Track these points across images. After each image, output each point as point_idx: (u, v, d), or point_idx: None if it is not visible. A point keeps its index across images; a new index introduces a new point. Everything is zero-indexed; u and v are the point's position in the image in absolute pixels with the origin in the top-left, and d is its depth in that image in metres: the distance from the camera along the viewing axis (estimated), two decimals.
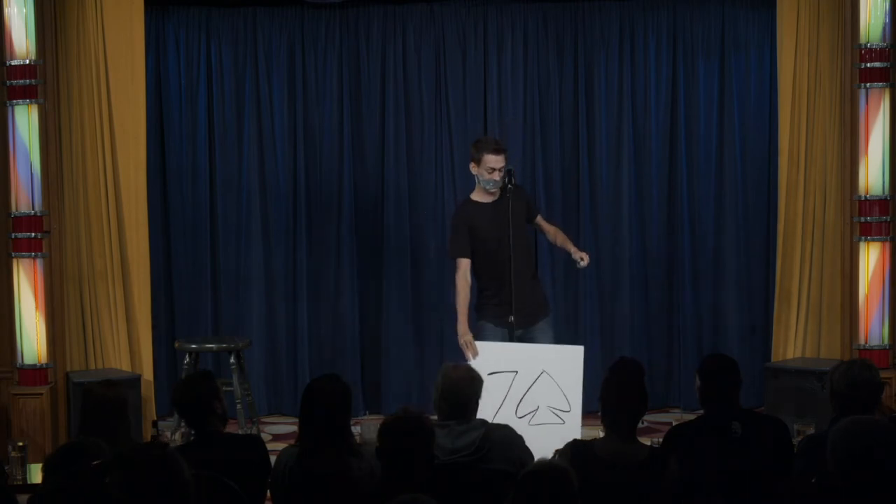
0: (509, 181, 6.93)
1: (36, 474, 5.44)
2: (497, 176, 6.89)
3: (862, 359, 6.31)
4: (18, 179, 7.46)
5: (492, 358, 6.46)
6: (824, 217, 7.92)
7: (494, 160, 6.88)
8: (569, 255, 8.53)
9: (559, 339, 8.36)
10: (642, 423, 4.74)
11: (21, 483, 5.42)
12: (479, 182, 6.95)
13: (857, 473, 4.11)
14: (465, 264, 6.92)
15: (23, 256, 7.48)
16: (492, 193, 6.94)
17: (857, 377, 4.91)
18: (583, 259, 6.97)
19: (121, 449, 4.25)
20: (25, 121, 7.42)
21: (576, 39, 8.60)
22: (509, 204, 6.75)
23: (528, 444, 5.09)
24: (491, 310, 6.93)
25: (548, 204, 8.59)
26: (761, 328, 8.53)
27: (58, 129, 7.62)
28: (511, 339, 6.81)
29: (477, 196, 7.00)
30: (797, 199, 7.99)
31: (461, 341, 6.73)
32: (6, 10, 7.39)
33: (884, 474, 4.15)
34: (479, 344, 6.62)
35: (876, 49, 7.51)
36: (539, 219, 7.22)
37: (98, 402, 5.15)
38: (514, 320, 6.78)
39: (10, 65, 7.43)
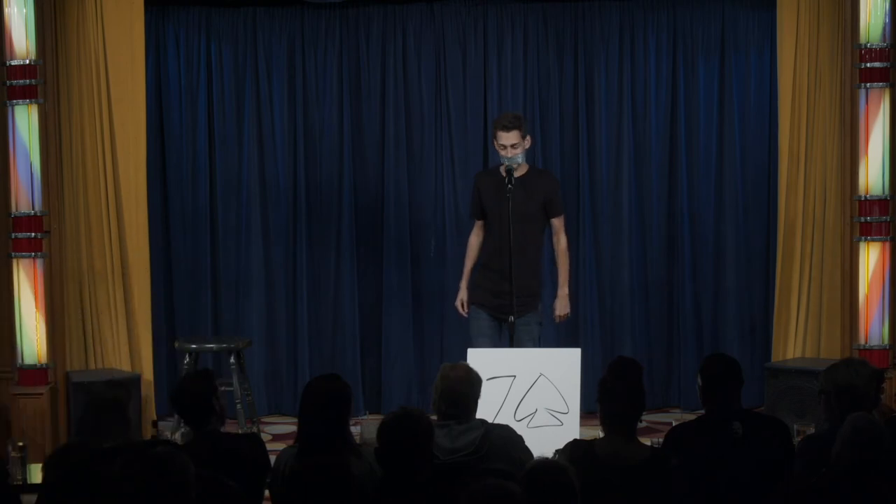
0: (509, 181, 6.95)
1: (36, 474, 5.44)
2: (510, 153, 6.99)
3: (859, 358, 6.33)
4: (18, 179, 7.46)
5: (490, 363, 6.47)
6: (824, 217, 7.92)
7: (504, 137, 7.00)
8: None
9: (559, 339, 8.41)
10: (642, 422, 4.74)
11: (21, 483, 5.42)
12: None
13: (860, 469, 4.13)
14: (478, 225, 7.28)
15: (23, 256, 7.48)
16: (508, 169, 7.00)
17: (859, 375, 4.91)
18: (558, 318, 7.23)
19: (127, 446, 4.26)
20: (25, 121, 7.42)
21: (576, 39, 8.60)
22: (510, 200, 6.81)
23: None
24: (481, 292, 7.16)
25: None
26: (761, 328, 8.53)
27: (58, 129, 7.62)
28: (494, 323, 7.13)
29: (502, 168, 7.11)
30: (797, 199, 7.98)
31: (456, 302, 7.28)
32: (6, 10, 7.39)
33: (879, 473, 4.17)
34: (476, 351, 6.63)
35: (876, 49, 7.51)
36: (555, 222, 7.19)
37: (98, 402, 5.16)
38: (495, 306, 7.04)
39: (10, 65, 7.43)
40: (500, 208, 6.98)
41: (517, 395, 6.50)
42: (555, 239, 7.22)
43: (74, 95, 7.76)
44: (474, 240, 7.30)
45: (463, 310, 7.25)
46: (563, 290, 7.18)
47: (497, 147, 7.04)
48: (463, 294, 7.26)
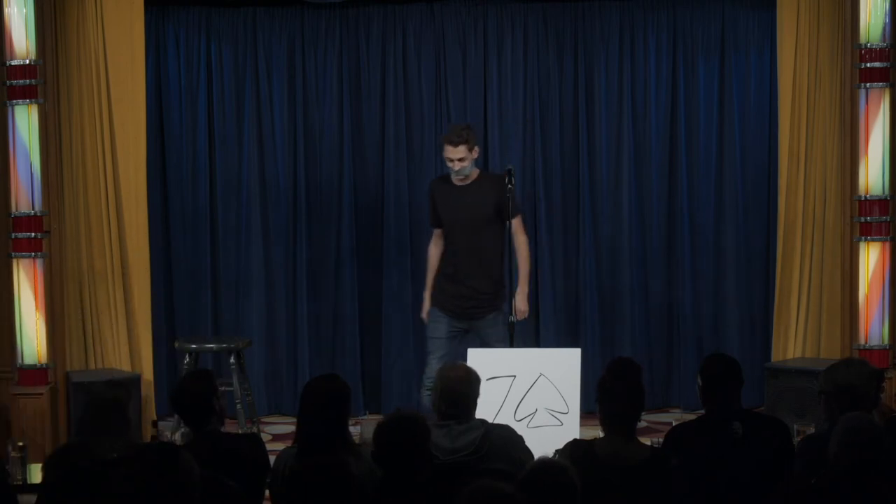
0: (509, 181, 6.97)
1: (36, 474, 5.44)
2: (456, 166, 7.10)
3: (859, 358, 6.33)
4: (18, 179, 7.46)
5: (489, 363, 6.48)
6: (824, 217, 7.92)
7: (451, 151, 7.10)
8: (565, 253, 8.61)
9: (559, 339, 8.41)
10: (642, 422, 4.73)
11: (21, 483, 5.42)
12: None
13: (859, 469, 4.13)
14: (435, 233, 7.34)
15: (23, 256, 7.48)
16: (459, 179, 7.05)
17: (859, 375, 4.90)
18: (515, 316, 7.17)
19: (133, 447, 4.26)
20: (25, 121, 7.42)
21: (576, 39, 8.60)
22: (509, 200, 6.86)
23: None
24: (443, 296, 7.25)
25: (548, 204, 8.59)
26: (761, 328, 8.53)
27: (58, 129, 7.62)
28: (454, 329, 7.25)
29: (453, 175, 7.18)
30: (797, 199, 7.99)
31: (422, 314, 7.36)
32: (6, 10, 7.39)
33: (879, 474, 4.16)
34: (476, 351, 6.65)
35: (876, 49, 7.51)
36: (513, 224, 7.15)
37: (98, 402, 5.15)
38: (458, 311, 7.19)
39: (10, 65, 7.43)
40: (459, 215, 7.09)
41: (517, 395, 6.50)
42: (514, 239, 7.23)
43: (74, 95, 7.76)
44: (434, 250, 7.37)
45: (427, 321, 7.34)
46: (523, 288, 7.21)
47: (445, 158, 7.13)
48: (427, 304, 7.33)
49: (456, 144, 7.04)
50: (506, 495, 3.62)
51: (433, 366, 7.18)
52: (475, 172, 7.18)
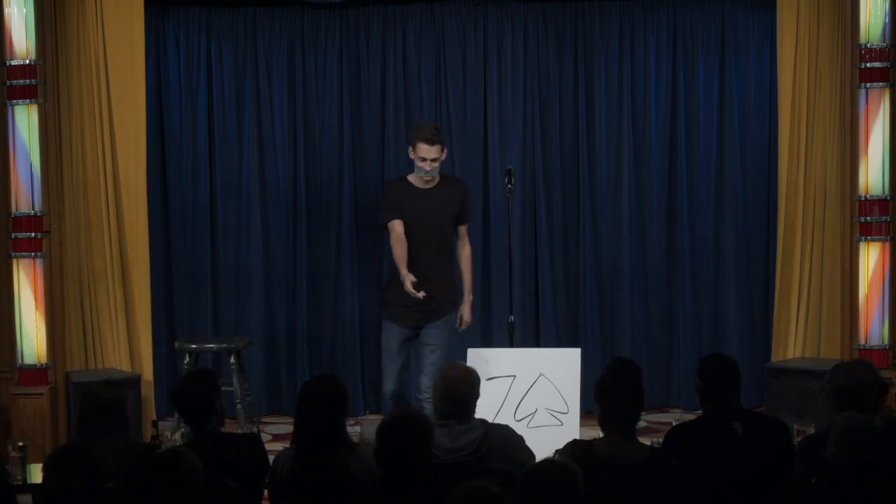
0: (509, 181, 6.96)
1: (36, 474, 5.44)
2: (428, 166, 6.91)
3: (863, 359, 6.33)
4: (18, 179, 7.46)
5: (490, 363, 6.48)
6: (824, 217, 7.92)
7: (427, 150, 6.89)
8: (565, 254, 8.61)
9: (559, 339, 8.41)
10: (642, 422, 4.73)
11: (21, 483, 5.42)
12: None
13: (855, 467, 4.13)
14: (397, 225, 6.92)
15: (23, 256, 7.48)
16: (425, 181, 6.95)
17: (859, 377, 4.90)
18: (460, 324, 7.11)
19: (133, 447, 4.27)
20: (25, 121, 7.43)
21: (576, 39, 8.60)
22: (508, 200, 6.83)
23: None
24: (395, 308, 7.04)
25: (548, 204, 8.59)
26: (761, 328, 8.53)
27: (58, 129, 7.63)
28: (406, 336, 7.09)
29: (412, 178, 7.06)
30: (797, 199, 7.99)
31: (406, 283, 6.75)
32: (6, 10, 7.39)
33: (878, 473, 4.17)
34: (476, 351, 6.65)
35: (876, 49, 7.51)
36: (462, 229, 7.16)
37: (97, 402, 5.15)
38: (417, 317, 6.98)
39: (10, 65, 7.43)
40: (425, 217, 6.93)
41: (517, 395, 6.51)
42: (460, 244, 7.17)
43: (74, 95, 7.76)
44: (397, 243, 6.89)
45: (414, 289, 6.78)
46: (470, 297, 7.15)
47: (415, 157, 6.95)
48: (410, 276, 6.79)
49: (433, 143, 6.88)
50: (493, 495, 3.63)
51: (392, 379, 7.12)
52: (437, 175, 7.05)
